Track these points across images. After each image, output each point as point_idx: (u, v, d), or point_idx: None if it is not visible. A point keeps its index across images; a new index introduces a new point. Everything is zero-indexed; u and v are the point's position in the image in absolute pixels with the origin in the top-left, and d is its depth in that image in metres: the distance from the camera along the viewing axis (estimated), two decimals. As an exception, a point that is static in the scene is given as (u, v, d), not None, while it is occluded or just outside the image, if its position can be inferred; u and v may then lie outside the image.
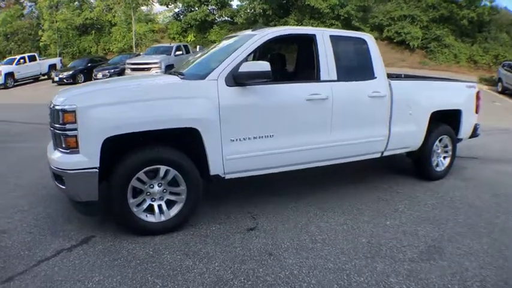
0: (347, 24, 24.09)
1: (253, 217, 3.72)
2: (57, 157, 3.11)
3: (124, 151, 3.22)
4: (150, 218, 3.33)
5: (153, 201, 3.34)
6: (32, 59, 23.45)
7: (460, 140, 5.27)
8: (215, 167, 3.46)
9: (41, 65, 23.78)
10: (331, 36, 4.04)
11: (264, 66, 3.37)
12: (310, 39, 3.99)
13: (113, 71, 18.67)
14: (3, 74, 21.18)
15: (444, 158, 5.07)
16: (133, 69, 17.11)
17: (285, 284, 2.67)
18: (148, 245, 3.17)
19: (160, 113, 3.20)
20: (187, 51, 19.72)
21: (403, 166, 5.38)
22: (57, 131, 3.08)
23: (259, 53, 5.29)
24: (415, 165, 5.05)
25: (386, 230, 3.50)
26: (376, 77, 4.25)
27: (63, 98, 3.14)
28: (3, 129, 8.57)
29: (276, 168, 3.77)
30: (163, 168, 3.26)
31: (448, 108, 4.91)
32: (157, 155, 3.24)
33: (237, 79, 3.41)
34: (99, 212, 3.35)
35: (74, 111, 3.00)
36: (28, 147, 6.51)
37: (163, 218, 3.35)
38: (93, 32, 29.81)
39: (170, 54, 18.31)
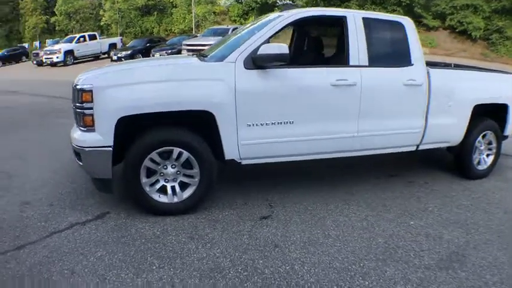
0: (409, 11, 22.82)
1: (270, 205, 3.61)
2: (77, 135, 3.18)
3: (138, 132, 3.22)
4: (163, 199, 3.33)
5: (166, 182, 3.33)
6: (92, 37, 24.64)
7: (506, 137, 4.73)
8: (230, 152, 3.36)
9: (101, 44, 24.94)
10: (364, 19, 3.73)
11: (282, 48, 3.19)
12: (341, 21, 3.71)
13: (170, 51, 19.13)
14: (62, 51, 22.51)
15: (487, 155, 4.59)
16: (189, 50, 17.33)
17: (282, 278, 2.54)
18: (157, 226, 3.18)
19: (173, 94, 3.14)
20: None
21: (445, 161, 4.97)
22: (77, 110, 3.15)
23: (296, 36, 5.14)
24: (455, 162, 4.63)
25: (409, 230, 3.23)
26: (412, 64, 3.87)
27: (84, 78, 3.21)
28: (59, 105, 9.11)
29: (295, 156, 3.59)
30: (176, 150, 3.22)
31: (493, 102, 4.40)
32: (170, 136, 3.21)
33: (255, 62, 3.25)
34: (115, 189, 3.38)
35: (90, 91, 3.05)
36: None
37: (175, 200, 3.34)
38: (156, 13, 30.62)
39: (226, 36, 18.19)
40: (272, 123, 3.38)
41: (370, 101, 3.68)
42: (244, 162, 3.48)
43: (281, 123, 3.41)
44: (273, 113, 3.39)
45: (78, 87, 3.12)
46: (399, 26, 3.93)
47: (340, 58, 3.79)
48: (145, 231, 3.09)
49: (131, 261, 2.70)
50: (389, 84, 3.80)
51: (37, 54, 24.77)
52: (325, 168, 4.50)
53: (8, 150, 5.38)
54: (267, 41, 3.41)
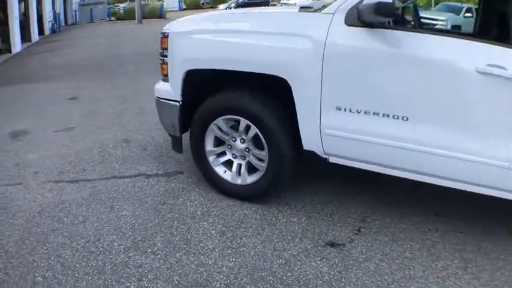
0: None
1: (357, 229, 2.39)
2: (158, 84, 2.91)
3: (213, 92, 2.66)
4: (226, 176, 2.70)
5: (234, 157, 2.68)
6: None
7: None
8: (309, 140, 2.36)
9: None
10: None
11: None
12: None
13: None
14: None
15: None
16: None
17: None
18: (206, 205, 2.64)
19: (239, 49, 2.40)
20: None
21: None
22: (159, 56, 2.86)
23: None
24: None
25: None
26: None
27: (169, 24, 2.88)
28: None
29: (404, 171, 2.19)
30: (243, 122, 2.49)
31: None
32: (234, 103, 2.49)
33: (360, 15, 2.02)
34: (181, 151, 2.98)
35: (167, 37, 2.68)
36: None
37: (239, 181, 2.65)
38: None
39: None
40: (375, 113, 2.10)
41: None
42: (332, 159, 2.40)
43: (389, 116, 2.08)
44: (378, 99, 2.12)
45: (162, 32, 2.82)
46: None
47: (499, 33, 2.27)
48: (189, 207, 2.61)
49: (146, 228, 2.36)
50: None
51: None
52: (452, 195, 2.71)
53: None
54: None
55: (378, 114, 2.09)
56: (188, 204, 2.67)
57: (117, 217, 2.56)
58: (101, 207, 2.67)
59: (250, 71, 2.35)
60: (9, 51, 9.18)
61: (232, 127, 2.60)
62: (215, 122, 2.59)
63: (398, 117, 2.06)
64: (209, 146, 2.70)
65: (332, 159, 2.37)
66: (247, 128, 2.51)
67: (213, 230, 2.38)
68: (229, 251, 2.19)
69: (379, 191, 2.75)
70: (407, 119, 2.04)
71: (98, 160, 3.36)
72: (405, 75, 2.03)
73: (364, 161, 2.26)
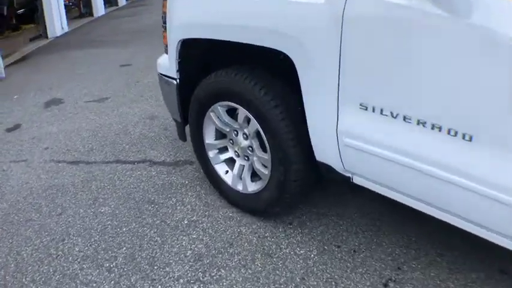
0: None
1: (384, 283, 1.61)
2: (161, 57, 2.29)
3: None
4: (227, 178, 2.08)
5: (236, 156, 2.05)
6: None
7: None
8: (322, 150, 1.61)
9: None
10: None
11: None
12: None
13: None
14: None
15: None
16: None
17: None
18: (198, 212, 2.08)
19: (227, 10, 1.71)
20: None
21: None
22: (162, 24, 2.25)
23: None
24: None
25: None
26: None
27: None
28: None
29: (462, 220, 1.30)
30: (242, 112, 1.83)
31: None
32: (230, 86, 1.81)
33: None
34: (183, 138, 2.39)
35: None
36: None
37: (239, 187, 2.01)
38: None
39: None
40: (420, 121, 1.24)
41: None
42: (357, 180, 1.61)
43: (440, 129, 1.20)
44: (424, 99, 1.25)
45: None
46: None
47: None
48: (179, 213, 2.08)
49: (129, 229, 1.92)
50: None
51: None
52: None
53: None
54: None
55: (424, 124, 1.26)
56: (178, 208, 2.14)
57: (94, 214, 2.15)
58: (85, 198, 2.29)
59: (243, 42, 1.65)
60: (91, 14, 9.45)
61: (233, 116, 1.96)
62: (212, 108, 1.96)
63: (456, 133, 1.19)
64: (209, 138, 2.09)
65: (357, 180, 1.60)
66: (248, 120, 1.85)
67: (190, 250, 1.82)
68: (195, 287, 1.62)
69: (422, 223, 1.91)
70: (470, 139, 1.17)
71: (111, 139, 2.98)
72: (476, 67, 1.12)
73: (402, 194, 1.46)
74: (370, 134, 1.40)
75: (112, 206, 2.20)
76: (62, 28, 7.42)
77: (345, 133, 1.46)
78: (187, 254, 1.80)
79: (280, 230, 1.94)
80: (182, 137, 2.34)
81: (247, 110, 1.78)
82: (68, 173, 2.58)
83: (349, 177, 1.60)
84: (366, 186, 1.56)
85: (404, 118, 1.28)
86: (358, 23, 1.31)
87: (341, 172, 1.60)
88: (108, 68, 4.89)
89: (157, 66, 2.27)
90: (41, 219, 2.14)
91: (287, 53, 1.50)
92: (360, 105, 1.39)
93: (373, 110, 1.36)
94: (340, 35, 1.34)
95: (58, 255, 1.87)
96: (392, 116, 1.31)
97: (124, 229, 2.01)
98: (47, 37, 7.14)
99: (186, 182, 2.37)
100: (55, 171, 2.60)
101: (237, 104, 1.82)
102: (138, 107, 3.55)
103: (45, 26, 7.16)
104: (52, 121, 3.45)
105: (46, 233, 2.03)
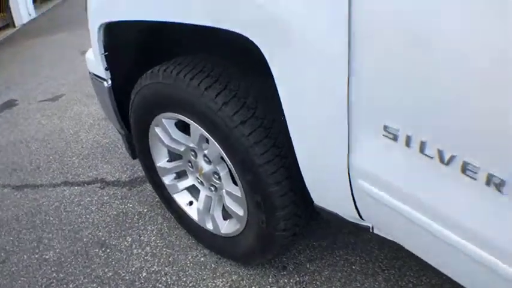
0: None
1: None
2: (89, 51, 1.57)
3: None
4: (191, 212, 1.46)
5: (200, 184, 1.41)
6: None
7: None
8: (322, 193, 0.97)
9: None
10: None
11: None
12: None
13: None
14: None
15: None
16: None
17: None
18: (161, 257, 1.48)
19: None
20: None
21: None
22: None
23: None
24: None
25: None
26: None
27: None
28: None
29: None
30: (195, 128, 1.18)
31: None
32: (170, 91, 1.14)
33: None
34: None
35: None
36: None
37: (209, 226, 1.39)
38: None
39: None
40: (443, 160, 0.62)
41: None
42: (380, 232, 0.97)
43: (465, 171, 0.59)
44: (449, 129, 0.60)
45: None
46: None
47: None
48: (136, 261, 1.49)
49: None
50: None
51: None
52: None
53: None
54: None
55: (447, 163, 0.63)
56: (135, 252, 1.54)
57: (38, 262, 1.59)
58: (29, 239, 1.72)
59: (186, 23, 0.97)
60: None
61: (186, 130, 1.30)
62: (156, 121, 1.32)
63: (490, 180, 0.58)
64: (160, 160, 1.45)
65: (382, 231, 0.98)
66: (206, 140, 1.21)
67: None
68: None
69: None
70: (502, 186, 0.56)
71: (61, 151, 2.34)
72: None
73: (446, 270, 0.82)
74: (399, 181, 0.75)
75: (57, 250, 1.62)
76: (29, 14, 6.58)
77: (360, 173, 0.82)
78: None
79: (271, 279, 1.35)
80: (131, 153, 1.69)
81: (201, 127, 1.13)
82: (13, 202, 1.98)
83: (368, 227, 0.97)
84: (396, 241, 0.94)
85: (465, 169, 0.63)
86: (374, 13, 0.64)
87: (356, 222, 0.97)
88: (71, 56, 4.16)
89: (86, 61, 1.59)
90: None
91: (253, 40, 0.82)
92: (384, 127, 0.73)
93: (407, 144, 0.70)
94: (348, 21, 0.67)
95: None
96: (429, 156, 0.66)
97: (70, 286, 1.43)
98: (14, 26, 6.34)
99: (145, 210, 1.76)
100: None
101: (185, 116, 1.16)
102: (93, 104, 2.86)
103: (11, 15, 6.35)
104: (2, 130, 2.81)
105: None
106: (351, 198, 0.88)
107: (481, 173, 0.60)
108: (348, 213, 0.93)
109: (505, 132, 0.56)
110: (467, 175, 0.62)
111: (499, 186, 0.59)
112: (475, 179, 0.61)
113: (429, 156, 0.67)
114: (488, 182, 0.60)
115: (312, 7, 0.72)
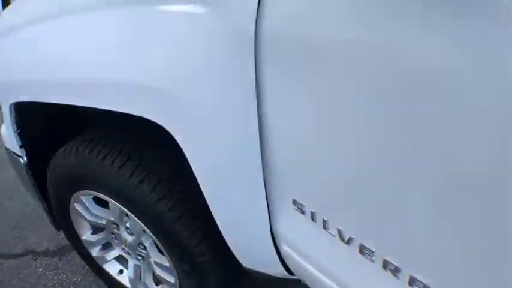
0: None
1: None
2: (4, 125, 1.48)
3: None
4: (123, 280, 1.40)
5: (127, 254, 1.35)
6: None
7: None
8: (248, 256, 0.99)
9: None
10: None
11: None
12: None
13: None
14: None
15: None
16: None
17: None
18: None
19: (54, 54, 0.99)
20: None
21: None
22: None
23: None
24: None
25: None
26: None
27: None
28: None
29: None
30: (113, 204, 1.15)
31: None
32: (83, 170, 1.12)
33: None
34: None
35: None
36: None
37: (143, 293, 1.41)
38: None
39: None
40: (344, 239, 0.68)
41: None
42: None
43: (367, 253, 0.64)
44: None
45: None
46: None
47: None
48: None
49: None
50: None
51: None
52: None
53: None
54: None
55: (347, 243, 0.69)
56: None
57: None
58: None
59: (96, 107, 0.96)
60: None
61: (106, 205, 1.25)
62: (74, 198, 1.27)
63: (386, 265, 0.64)
64: (84, 233, 1.38)
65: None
66: (126, 215, 1.18)
67: None
68: None
69: None
70: (398, 272, 0.63)
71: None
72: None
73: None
74: (312, 251, 0.80)
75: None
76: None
77: (283, 239, 0.86)
78: None
79: None
80: (55, 225, 1.59)
81: (119, 204, 1.11)
82: None
83: (299, 279, 1.01)
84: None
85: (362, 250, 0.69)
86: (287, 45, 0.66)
87: (286, 277, 1.00)
88: None
89: (2, 136, 1.49)
90: None
91: (164, 126, 0.83)
92: (292, 202, 0.78)
93: (313, 219, 0.75)
94: (254, 78, 0.68)
95: None
96: (343, 241, 0.72)
97: None
98: None
99: (79, 279, 1.66)
100: None
101: (103, 194, 1.14)
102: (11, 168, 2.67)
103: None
104: None
105: None
106: (279, 260, 0.91)
107: (376, 257, 0.66)
108: (277, 271, 0.97)
109: (396, 221, 0.61)
110: (365, 258, 0.68)
111: (395, 272, 0.64)
112: (372, 262, 0.67)
113: (331, 234, 0.72)
114: (384, 266, 0.65)
115: (219, 92, 0.75)
